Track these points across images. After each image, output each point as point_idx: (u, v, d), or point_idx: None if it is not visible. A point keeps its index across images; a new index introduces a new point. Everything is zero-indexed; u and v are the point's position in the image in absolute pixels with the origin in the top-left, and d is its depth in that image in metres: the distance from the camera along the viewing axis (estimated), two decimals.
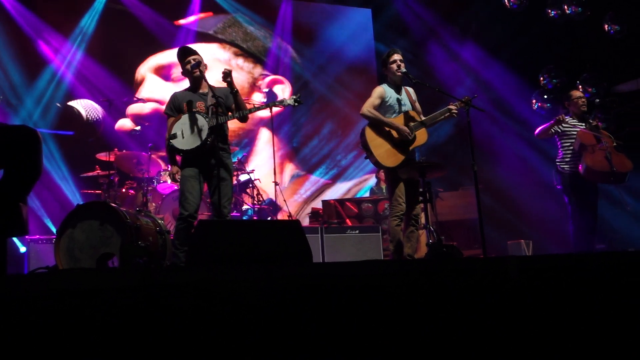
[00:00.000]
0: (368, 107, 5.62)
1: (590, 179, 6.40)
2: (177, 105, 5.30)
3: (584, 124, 6.61)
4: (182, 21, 10.52)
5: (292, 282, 2.39)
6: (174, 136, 5.06)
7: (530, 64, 9.25)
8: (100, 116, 9.62)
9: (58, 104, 9.36)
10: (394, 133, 5.56)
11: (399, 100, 5.72)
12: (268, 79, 10.88)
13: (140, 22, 10.11)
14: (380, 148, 5.53)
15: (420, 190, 5.45)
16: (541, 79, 9.10)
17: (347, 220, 8.41)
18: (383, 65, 5.84)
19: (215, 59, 10.48)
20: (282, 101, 5.47)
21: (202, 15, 10.65)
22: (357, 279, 2.51)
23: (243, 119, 5.26)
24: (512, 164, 9.35)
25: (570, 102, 6.75)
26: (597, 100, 8.52)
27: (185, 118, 5.13)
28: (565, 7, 8.48)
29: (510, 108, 9.45)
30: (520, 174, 9.21)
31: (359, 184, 11.11)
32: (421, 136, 5.63)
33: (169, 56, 9.94)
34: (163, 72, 10.08)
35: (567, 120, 6.66)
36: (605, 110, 8.47)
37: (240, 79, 10.56)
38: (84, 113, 9.62)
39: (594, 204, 6.54)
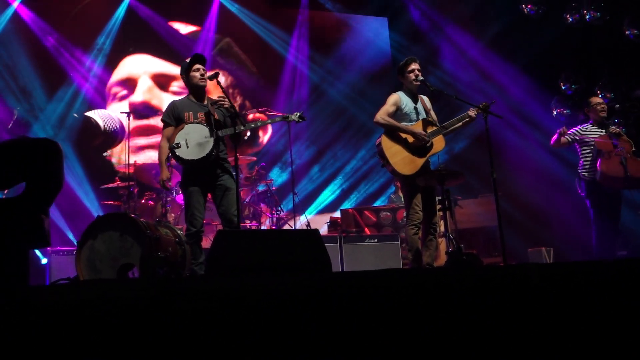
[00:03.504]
0: (382, 115, 5.53)
1: (606, 184, 6.37)
2: (176, 115, 5.24)
3: (603, 131, 6.58)
4: (175, 25, 10.57)
5: (312, 291, 2.39)
6: (178, 145, 5.04)
7: (548, 69, 9.19)
8: (118, 127, 9.70)
9: (75, 115, 9.46)
10: (410, 139, 5.47)
11: (415, 109, 5.63)
12: (251, 115, 10.80)
13: (159, 35, 10.22)
14: (397, 156, 5.44)
15: (439, 198, 5.41)
16: (561, 84, 9.04)
17: (366, 229, 8.39)
18: (399, 73, 5.76)
19: (215, 84, 10.55)
20: (286, 117, 5.50)
21: (192, 29, 10.70)
22: (376, 289, 2.50)
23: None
24: (532, 171, 9.26)
25: (590, 108, 6.74)
26: (617, 105, 8.45)
27: (188, 128, 5.10)
28: (584, 12, 8.42)
29: (528, 114, 9.38)
30: (540, 181, 9.12)
31: (377, 192, 11.07)
32: (438, 143, 5.54)
33: (174, 69, 10.06)
34: (161, 81, 10.15)
35: (585, 127, 6.68)
36: (625, 116, 8.39)
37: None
38: (101, 123, 9.71)
39: (615, 210, 6.51)
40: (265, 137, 10.93)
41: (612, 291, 2.67)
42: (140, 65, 10.15)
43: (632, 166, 6.23)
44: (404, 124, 5.54)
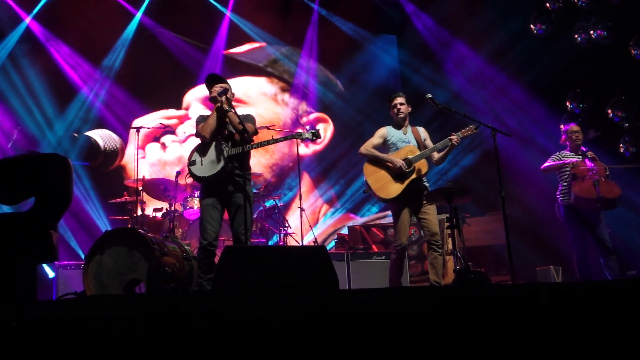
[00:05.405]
0: (366, 146, 5.95)
1: (580, 206, 6.66)
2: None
3: (580, 157, 6.82)
4: (232, 50, 10.82)
5: (318, 309, 2.38)
6: (193, 162, 5.11)
7: (559, 87, 9.19)
8: (118, 146, 9.74)
9: (75, 134, 9.48)
10: (391, 165, 5.75)
11: (402, 140, 5.91)
12: (312, 116, 10.99)
13: (169, 50, 10.30)
14: (379, 182, 5.77)
15: (447, 215, 5.43)
16: (568, 103, 9.04)
17: (373, 246, 8.37)
18: (388, 107, 6.08)
19: (262, 93, 10.71)
20: (300, 134, 5.47)
21: (255, 45, 10.91)
22: (383, 306, 2.48)
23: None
24: (541, 189, 9.20)
25: (567, 136, 6.99)
26: (627, 124, 8.42)
27: (204, 146, 5.22)
28: (592, 32, 8.44)
29: (537, 131, 9.36)
30: (549, 199, 9.06)
31: (384, 210, 11.04)
32: (421, 166, 5.77)
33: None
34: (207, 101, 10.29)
35: (562, 153, 6.94)
36: (636, 134, 8.36)
37: (284, 115, 10.64)
38: (101, 143, 9.73)
39: (595, 233, 6.64)
40: (328, 132, 11.08)
41: (621, 310, 2.64)
42: (191, 95, 10.46)
43: (604, 188, 6.53)
44: (386, 154, 5.86)
